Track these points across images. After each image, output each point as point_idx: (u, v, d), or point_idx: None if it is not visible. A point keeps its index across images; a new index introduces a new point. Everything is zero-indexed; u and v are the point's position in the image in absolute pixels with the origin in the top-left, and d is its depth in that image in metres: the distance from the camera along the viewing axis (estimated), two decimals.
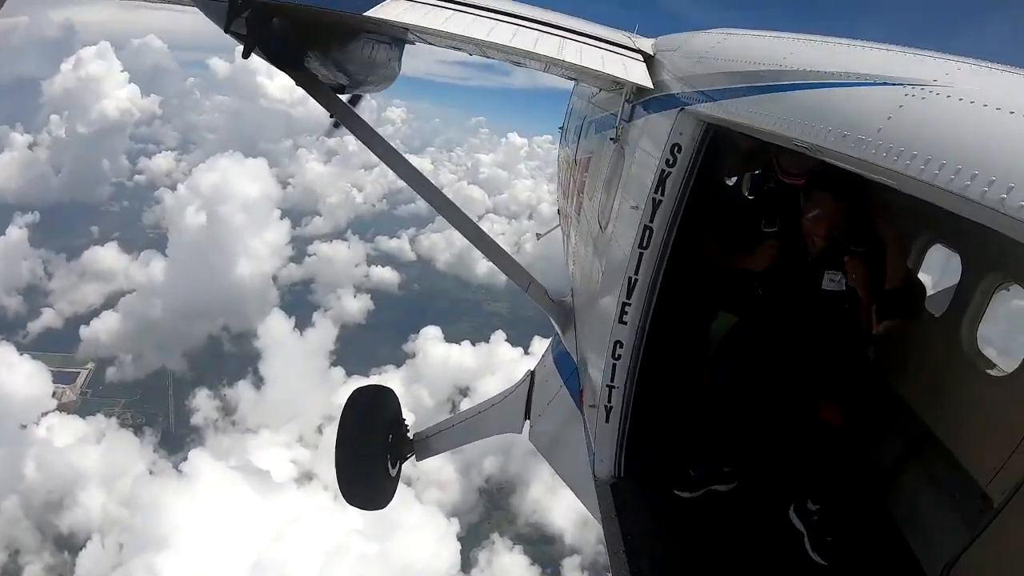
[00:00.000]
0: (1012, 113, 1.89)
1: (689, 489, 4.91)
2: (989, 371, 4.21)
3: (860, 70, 2.62)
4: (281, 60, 5.89)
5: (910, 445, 4.75)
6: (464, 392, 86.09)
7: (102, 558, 65.42)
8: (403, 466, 8.44)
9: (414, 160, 7.58)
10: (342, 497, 7.97)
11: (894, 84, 2.34)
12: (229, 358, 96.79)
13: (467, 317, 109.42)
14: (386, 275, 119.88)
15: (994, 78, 2.26)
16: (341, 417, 7.92)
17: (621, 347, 4.54)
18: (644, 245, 4.25)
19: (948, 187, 1.89)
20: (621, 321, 4.49)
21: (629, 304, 4.44)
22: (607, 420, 4.78)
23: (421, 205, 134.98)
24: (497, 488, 79.10)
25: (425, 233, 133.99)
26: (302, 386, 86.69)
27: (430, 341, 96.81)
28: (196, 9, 5.03)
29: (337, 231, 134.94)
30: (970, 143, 1.92)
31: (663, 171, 4.10)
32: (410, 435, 8.54)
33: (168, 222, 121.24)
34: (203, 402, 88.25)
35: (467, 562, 69.10)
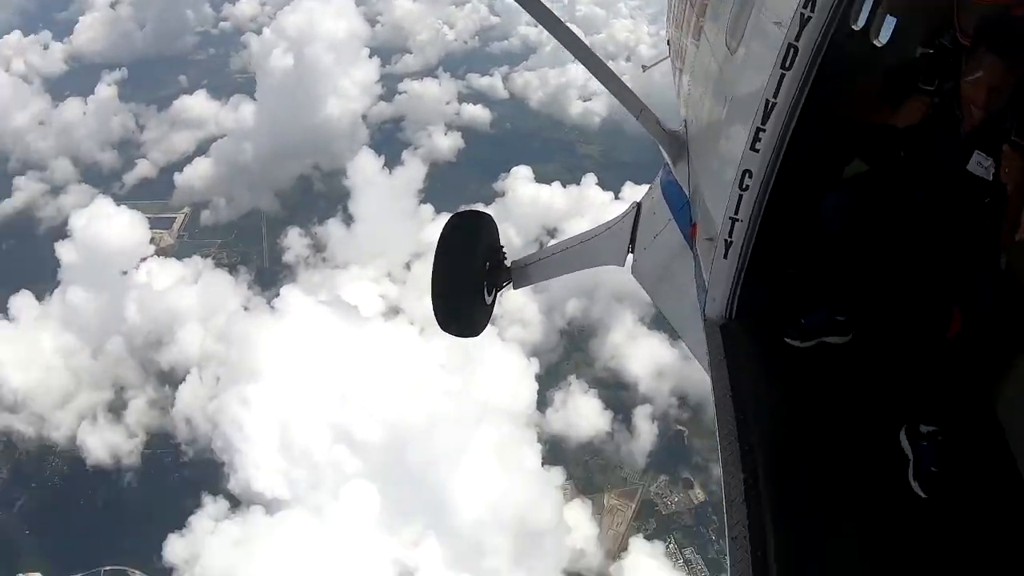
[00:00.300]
0: None
1: (800, 337, 4.62)
2: None
3: None
4: None
5: None
6: (552, 233, 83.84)
7: (200, 390, 69.34)
8: (498, 295, 8.20)
9: None
10: (436, 323, 7.77)
11: None
12: (319, 197, 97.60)
13: (559, 157, 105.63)
14: (477, 113, 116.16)
15: None
16: (439, 241, 7.59)
17: (750, 177, 4.18)
18: (787, 66, 3.81)
19: None
20: (753, 148, 4.10)
21: (763, 130, 4.01)
22: (725, 256, 4.51)
23: (515, 42, 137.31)
24: (578, 330, 79.01)
25: (519, 71, 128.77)
26: (391, 223, 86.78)
27: (520, 180, 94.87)
28: None
29: (428, 68, 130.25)
30: None
31: None
32: (507, 263, 8.24)
33: (255, 66, 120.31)
34: (294, 240, 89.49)
35: (543, 401, 70.35)
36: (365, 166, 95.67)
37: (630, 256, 7.39)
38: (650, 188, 7.75)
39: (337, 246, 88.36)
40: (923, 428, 3.98)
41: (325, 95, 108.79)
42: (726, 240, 4.45)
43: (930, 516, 3.71)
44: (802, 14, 3.66)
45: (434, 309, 7.61)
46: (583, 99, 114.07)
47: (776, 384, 4.46)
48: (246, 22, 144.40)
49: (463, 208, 9.04)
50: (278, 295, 75.80)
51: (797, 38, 3.73)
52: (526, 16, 6.69)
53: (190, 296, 77.70)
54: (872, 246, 4.38)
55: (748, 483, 3.75)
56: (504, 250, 8.30)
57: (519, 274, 8.26)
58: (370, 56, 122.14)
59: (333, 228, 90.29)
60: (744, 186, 4.23)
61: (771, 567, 3.35)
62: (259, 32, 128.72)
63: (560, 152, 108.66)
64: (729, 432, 4.01)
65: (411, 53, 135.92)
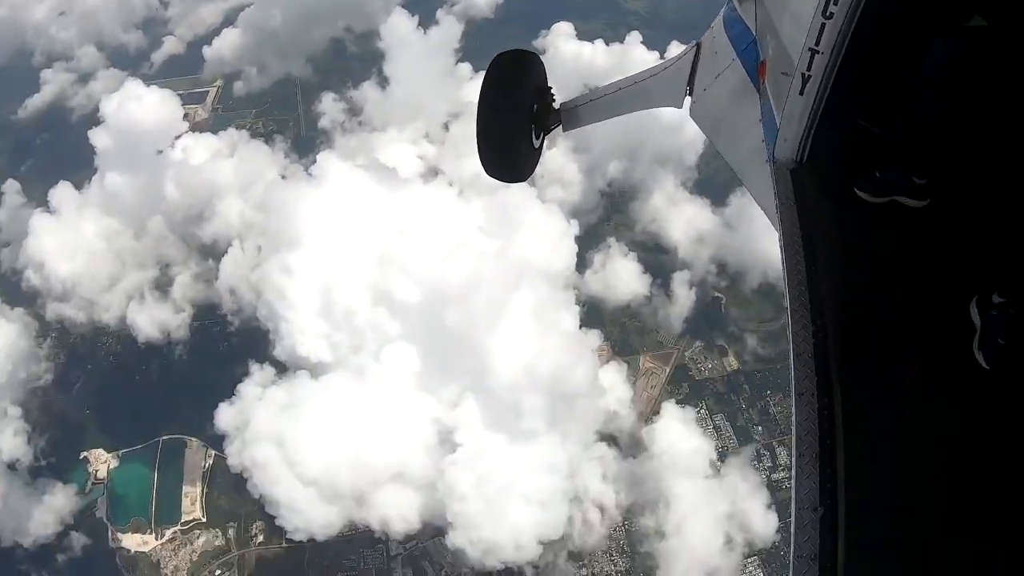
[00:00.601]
0: None
1: (872, 191, 4.41)
2: None
3: None
4: None
5: None
6: None
7: (242, 261, 70.60)
8: (546, 139, 7.76)
9: None
10: (481, 166, 7.38)
11: None
12: (353, 60, 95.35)
13: (602, 13, 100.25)
14: None
15: None
16: (484, 81, 7.09)
17: (835, 3, 3.70)
18: None
19: None
20: None
21: None
22: (801, 92, 4.18)
23: None
24: (619, 192, 78.12)
25: None
26: (427, 84, 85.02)
27: (562, 37, 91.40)
28: None
29: None
30: None
31: None
32: (556, 104, 7.74)
33: None
34: (329, 105, 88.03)
35: (582, 262, 70.27)
36: (399, 26, 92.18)
37: (688, 99, 7.00)
38: (711, 27, 7.15)
39: (373, 109, 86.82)
40: (995, 299, 3.85)
41: None
42: (803, 74, 4.14)
43: (992, 388, 3.62)
44: None
45: (479, 151, 7.28)
46: None
47: (849, 236, 4.35)
48: None
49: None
50: (315, 162, 75.66)
51: None
52: None
53: (227, 169, 77.73)
54: (971, 116, 4.09)
55: (817, 336, 3.72)
56: (553, 91, 7.85)
57: (569, 115, 7.92)
58: None
59: (368, 91, 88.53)
60: (828, 13, 3.85)
61: (837, 427, 3.35)
62: None
63: (604, 7, 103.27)
64: (799, 281, 3.97)
65: None
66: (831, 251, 4.13)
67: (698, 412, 61.58)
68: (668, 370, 64.95)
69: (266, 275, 65.80)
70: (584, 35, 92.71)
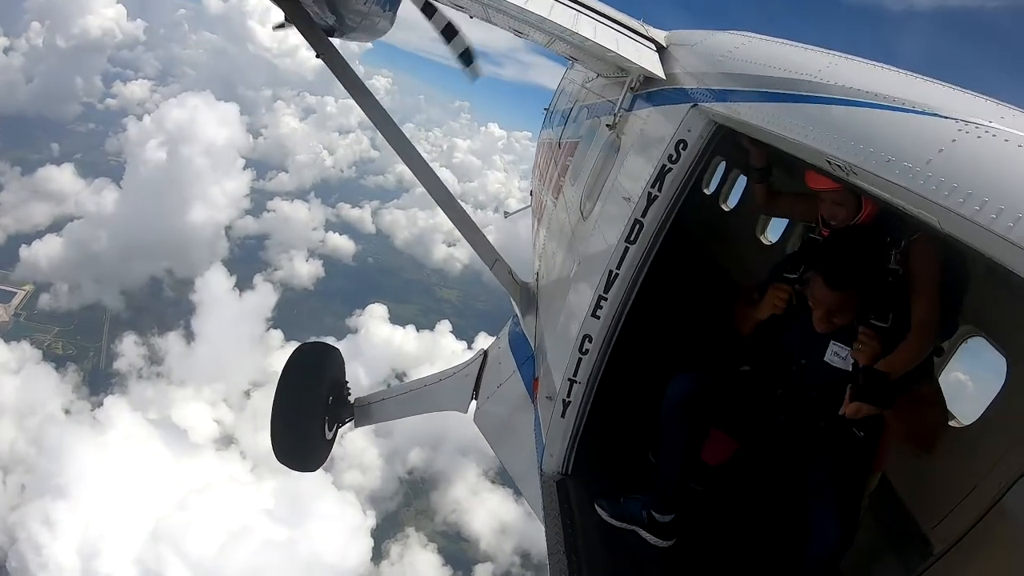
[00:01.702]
0: None
1: (611, 514, 4.47)
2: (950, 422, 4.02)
3: (907, 96, 2.39)
4: None
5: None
6: (400, 377, 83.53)
7: (1, 496, 63.85)
8: (338, 432, 8.12)
9: None
10: (273, 453, 7.57)
11: (945, 117, 2.17)
12: (167, 304, 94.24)
13: (417, 299, 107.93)
14: (342, 243, 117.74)
15: None
16: (283, 369, 7.57)
17: (590, 342, 4.34)
18: (632, 239, 4.10)
19: (996, 229, 1.81)
20: (594, 315, 4.30)
21: (605, 299, 4.24)
22: (563, 415, 4.55)
23: (390, 178, 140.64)
24: (420, 480, 78.07)
25: (388, 208, 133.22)
26: (235, 346, 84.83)
27: (375, 320, 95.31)
28: None
29: (300, 191, 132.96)
30: None
31: (664, 166, 3.95)
32: (351, 399, 8.18)
33: (127, 153, 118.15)
34: (130, 348, 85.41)
35: (379, 553, 68.27)
36: (215, 282, 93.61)
37: (473, 403, 7.44)
38: (498, 337, 7.91)
39: (175, 362, 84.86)
40: None
41: (192, 198, 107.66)
42: (564, 400, 4.52)
43: None
44: (650, 193, 3.99)
45: (272, 438, 7.47)
46: (448, 244, 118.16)
47: (610, 540, 4.40)
48: (134, 104, 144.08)
49: (313, 340, 9.24)
50: (101, 405, 72.01)
51: (643, 214, 4.03)
52: None
53: (9, 388, 72.55)
54: (696, 451, 4.35)
55: None
56: (348, 386, 8.27)
57: (361, 412, 8.22)
58: (244, 167, 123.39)
59: (174, 342, 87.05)
60: (584, 350, 4.39)
61: None
62: (140, 119, 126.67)
63: (419, 293, 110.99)
64: None
65: (287, 172, 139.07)
66: (596, 561, 4.19)
67: None
68: None
69: (25, 521, 59.15)
70: (397, 319, 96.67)
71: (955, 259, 3.53)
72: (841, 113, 2.65)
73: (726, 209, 8.98)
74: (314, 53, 6.44)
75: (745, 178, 8.11)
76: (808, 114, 2.84)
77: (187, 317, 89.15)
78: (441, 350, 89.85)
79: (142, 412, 71.46)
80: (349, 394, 8.21)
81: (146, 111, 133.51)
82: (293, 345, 8.50)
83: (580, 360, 4.39)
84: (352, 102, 6.68)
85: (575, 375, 4.43)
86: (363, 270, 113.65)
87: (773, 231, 7.82)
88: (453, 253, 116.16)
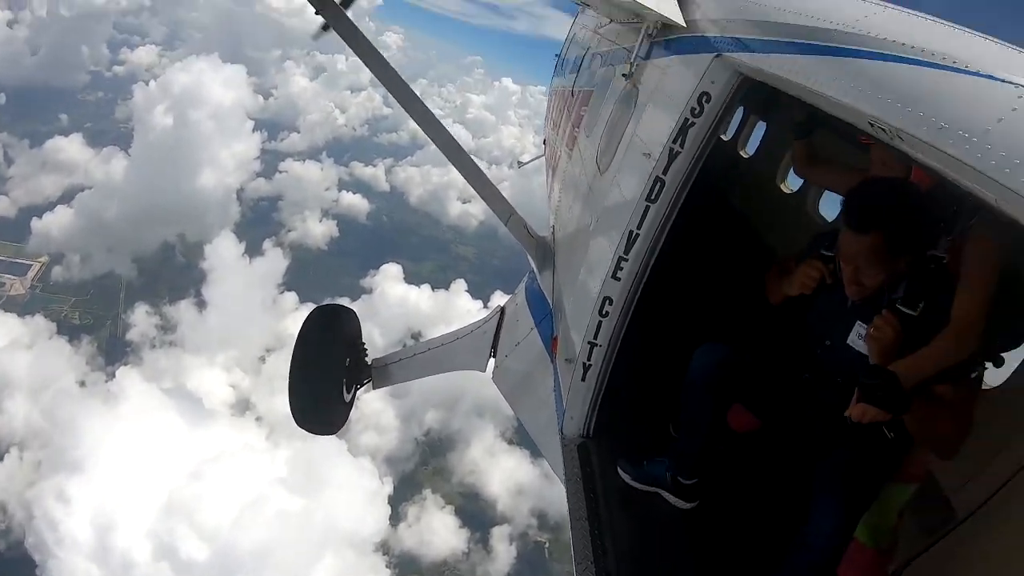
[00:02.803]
0: None
1: (634, 478, 4.32)
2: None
3: (958, 54, 2.12)
4: None
5: None
6: (416, 337, 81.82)
7: (18, 475, 63.48)
8: (357, 393, 7.89)
9: None
10: (292, 417, 7.30)
11: (1004, 81, 1.93)
12: (180, 269, 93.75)
13: (433, 256, 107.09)
14: (356, 202, 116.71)
15: None
16: (298, 334, 7.37)
17: (610, 304, 4.13)
18: (652, 198, 3.84)
19: None
20: (614, 277, 4.07)
21: (626, 260, 4.00)
22: (583, 378, 4.40)
23: (403, 135, 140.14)
24: (436, 442, 77.67)
25: (402, 165, 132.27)
26: (249, 310, 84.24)
27: (390, 280, 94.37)
28: None
29: (312, 151, 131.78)
30: None
31: (686, 120, 3.66)
32: (368, 360, 7.96)
33: (135, 120, 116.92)
34: (141, 318, 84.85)
35: (396, 515, 67.94)
36: (225, 247, 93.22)
37: (491, 362, 7.24)
38: (515, 293, 7.72)
39: (188, 329, 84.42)
40: None
41: (202, 163, 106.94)
42: (584, 363, 4.38)
43: None
44: (671, 149, 3.70)
45: (290, 402, 7.29)
46: (463, 200, 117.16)
47: (632, 506, 4.26)
48: (142, 70, 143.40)
49: (328, 302, 8.82)
50: (113, 376, 71.56)
51: (664, 171, 3.75)
52: None
53: (23, 362, 72.04)
54: (723, 424, 4.19)
55: None
56: (366, 347, 8.05)
57: (379, 373, 8.02)
58: (254, 130, 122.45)
59: (185, 311, 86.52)
60: (604, 312, 4.21)
61: None
62: (148, 84, 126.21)
63: (435, 250, 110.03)
64: (584, 557, 3.86)
65: (299, 132, 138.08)
66: (619, 525, 4.06)
67: None
68: None
69: (41, 497, 58.85)
70: (412, 278, 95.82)
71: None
72: (884, 70, 2.34)
73: (744, 156, 8.94)
74: (313, 10, 5.96)
75: (764, 124, 8.38)
76: (847, 69, 2.54)
77: (198, 285, 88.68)
78: (456, 310, 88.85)
79: (156, 382, 71.03)
80: (366, 355, 8.01)
81: (154, 77, 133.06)
82: (308, 307, 7.78)
83: (600, 323, 4.23)
84: None
85: (595, 338, 4.28)
86: (378, 229, 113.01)
87: (794, 179, 7.80)
88: (468, 209, 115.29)
